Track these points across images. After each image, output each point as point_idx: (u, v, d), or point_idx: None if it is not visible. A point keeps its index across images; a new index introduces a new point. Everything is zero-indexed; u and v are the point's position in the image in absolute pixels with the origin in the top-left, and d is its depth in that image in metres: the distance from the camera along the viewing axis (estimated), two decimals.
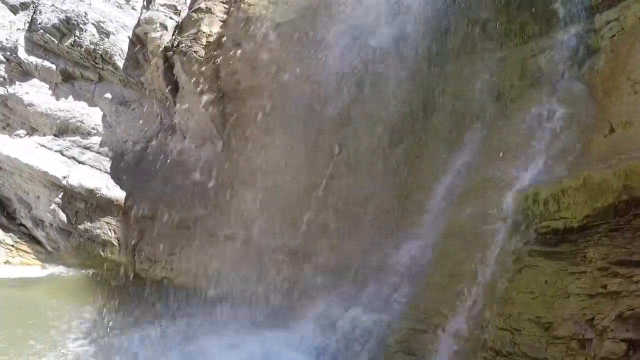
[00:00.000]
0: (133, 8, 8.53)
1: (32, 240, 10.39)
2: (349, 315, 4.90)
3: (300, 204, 6.22)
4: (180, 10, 7.76)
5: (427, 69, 5.19)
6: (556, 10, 4.38)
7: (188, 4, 7.82)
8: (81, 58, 9.05)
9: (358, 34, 5.86)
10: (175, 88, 7.82)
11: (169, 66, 7.62)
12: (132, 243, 8.39)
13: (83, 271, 9.25)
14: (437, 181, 4.86)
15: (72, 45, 8.97)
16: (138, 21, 8.24)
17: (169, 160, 8.19)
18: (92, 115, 9.15)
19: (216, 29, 6.87)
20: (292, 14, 6.37)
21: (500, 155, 4.18)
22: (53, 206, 9.48)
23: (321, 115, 6.12)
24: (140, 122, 8.60)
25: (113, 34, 8.68)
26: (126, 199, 8.48)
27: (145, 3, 8.26)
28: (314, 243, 6.07)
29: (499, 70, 4.58)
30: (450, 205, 4.53)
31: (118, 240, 8.60)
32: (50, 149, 9.62)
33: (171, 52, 7.44)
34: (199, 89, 7.20)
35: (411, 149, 5.46)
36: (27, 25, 9.45)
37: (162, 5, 7.96)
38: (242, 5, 6.59)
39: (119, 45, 8.64)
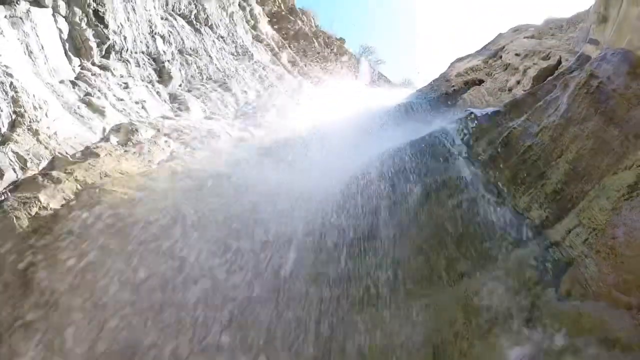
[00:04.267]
0: None
1: None
2: None
3: None
4: (28, 169, 6.52)
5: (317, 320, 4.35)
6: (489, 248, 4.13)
7: (41, 166, 6.68)
8: None
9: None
10: None
11: None
12: None
13: None
14: None
15: None
16: None
17: None
18: None
19: (55, 205, 5.64)
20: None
21: None
22: None
23: None
24: None
25: None
26: None
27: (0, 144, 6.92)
28: None
29: (427, 318, 3.80)
30: None
31: None
32: None
33: None
34: None
35: None
36: None
37: (14, 153, 6.70)
38: (99, 193, 5.61)
39: None
